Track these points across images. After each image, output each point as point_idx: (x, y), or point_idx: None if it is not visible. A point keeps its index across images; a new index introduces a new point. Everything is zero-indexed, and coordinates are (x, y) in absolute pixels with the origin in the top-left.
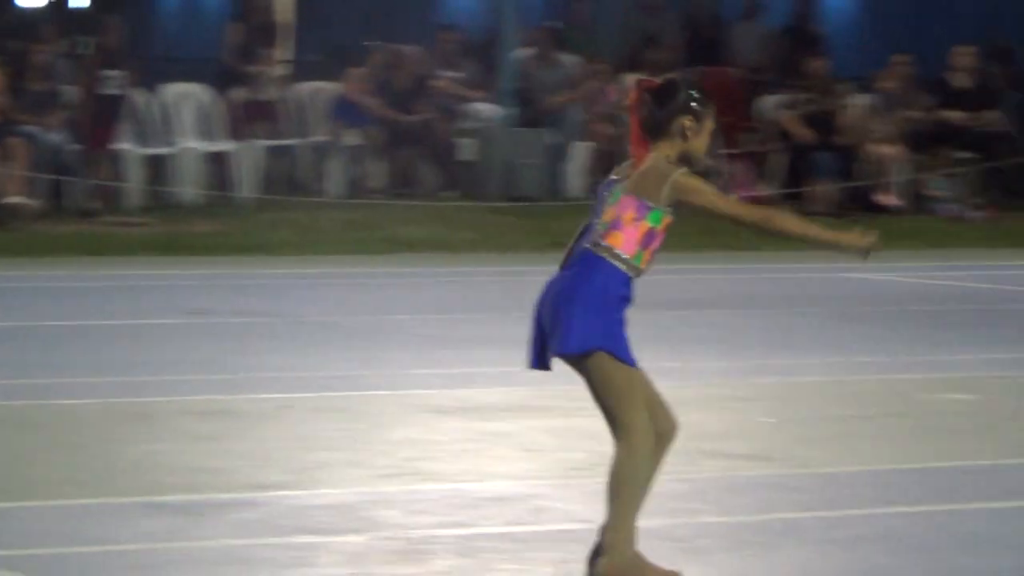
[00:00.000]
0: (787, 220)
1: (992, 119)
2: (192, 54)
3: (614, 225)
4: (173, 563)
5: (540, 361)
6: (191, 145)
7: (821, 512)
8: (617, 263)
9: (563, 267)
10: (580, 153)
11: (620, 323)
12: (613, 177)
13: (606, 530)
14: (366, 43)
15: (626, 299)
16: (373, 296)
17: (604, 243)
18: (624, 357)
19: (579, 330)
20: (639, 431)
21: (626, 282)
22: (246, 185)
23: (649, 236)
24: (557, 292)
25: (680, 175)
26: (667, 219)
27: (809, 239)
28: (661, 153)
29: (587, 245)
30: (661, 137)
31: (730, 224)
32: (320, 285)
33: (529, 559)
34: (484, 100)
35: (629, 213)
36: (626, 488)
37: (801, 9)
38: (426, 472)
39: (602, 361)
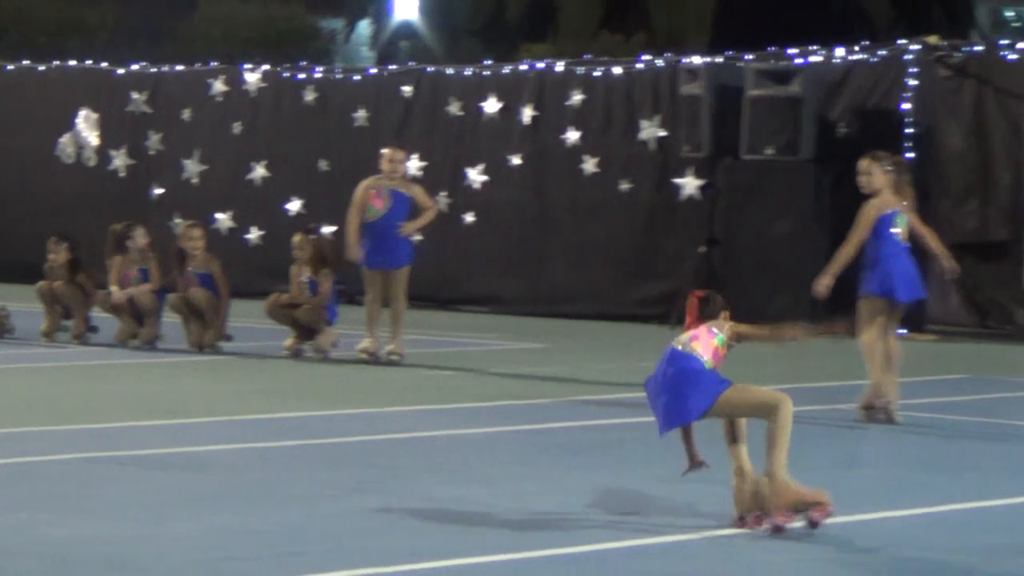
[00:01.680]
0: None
1: None
2: None
3: (693, 337)
4: None
5: (667, 426)
6: None
7: None
8: (697, 355)
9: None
10: None
11: (710, 377)
12: (676, 346)
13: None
14: None
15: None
16: None
17: (690, 345)
18: (722, 382)
19: (694, 402)
20: (780, 398)
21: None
22: None
23: (716, 350)
24: (671, 379)
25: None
26: (725, 347)
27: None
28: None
29: (678, 347)
30: (711, 320)
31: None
32: None
33: None
34: None
35: (703, 333)
36: (784, 433)
37: None
38: None
39: (726, 397)
